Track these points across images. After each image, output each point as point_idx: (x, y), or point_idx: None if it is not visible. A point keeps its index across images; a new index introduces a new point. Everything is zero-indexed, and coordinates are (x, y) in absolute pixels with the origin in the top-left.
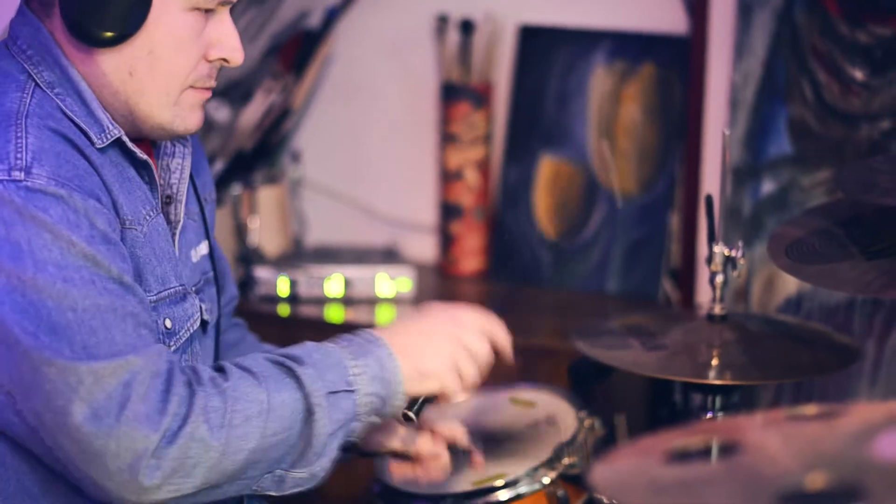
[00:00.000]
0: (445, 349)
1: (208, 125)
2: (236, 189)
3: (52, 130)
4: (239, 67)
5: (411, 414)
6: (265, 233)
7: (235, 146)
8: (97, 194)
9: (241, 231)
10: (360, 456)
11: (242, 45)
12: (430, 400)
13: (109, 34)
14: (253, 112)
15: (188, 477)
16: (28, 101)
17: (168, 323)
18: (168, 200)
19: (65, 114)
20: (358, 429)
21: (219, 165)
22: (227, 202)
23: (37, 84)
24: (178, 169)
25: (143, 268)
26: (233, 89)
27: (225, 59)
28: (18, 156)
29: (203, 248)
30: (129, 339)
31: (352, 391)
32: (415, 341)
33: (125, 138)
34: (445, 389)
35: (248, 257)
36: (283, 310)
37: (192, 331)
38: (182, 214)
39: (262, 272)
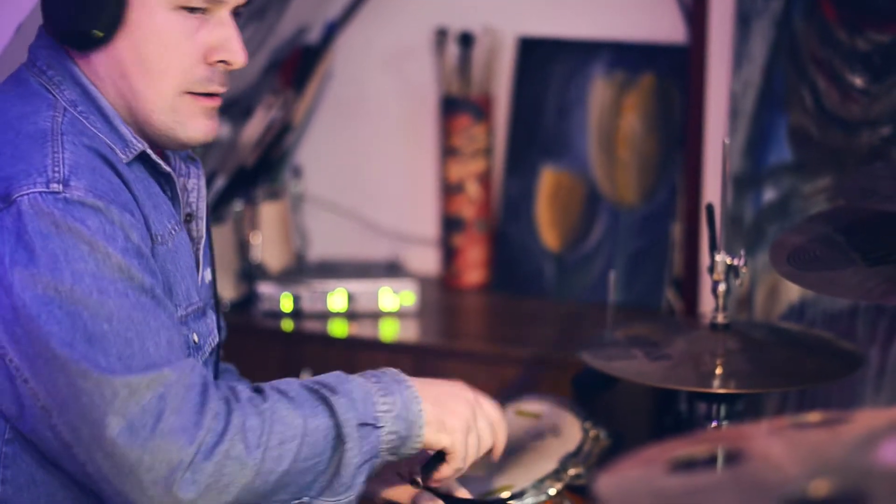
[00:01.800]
0: (465, 413)
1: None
2: (238, 205)
3: (86, 147)
4: (239, 84)
5: (418, 479)
6: (267, 248)
7: (236, 162)
8: (131, 209)
9: (243, 247)
10: None
11: (244, 50)
12: (439, 460)
13: (89, 35)
14: (253, 128)
15: (222, 494)
16: (60, 119)
17: (195, 338)
18: (189, 218)
19: (92, 131)
20: (377, 466)
21: (220, 182)
22: (228, 218)
23: (62, 104)
24: (194, 188)
25: (172, 283)
26: (233, 106)
27: (225, 62)
28: (56, 169)
29: (208, 275)
30: (162, 352)
31: (378, 427)
32: (440, 394)
33: (149, 151)
34: (456, 450)
35: (251, 273)
36: (287, 325)
37: (213, 346)
38: (203, 231)
39: (265, 288)
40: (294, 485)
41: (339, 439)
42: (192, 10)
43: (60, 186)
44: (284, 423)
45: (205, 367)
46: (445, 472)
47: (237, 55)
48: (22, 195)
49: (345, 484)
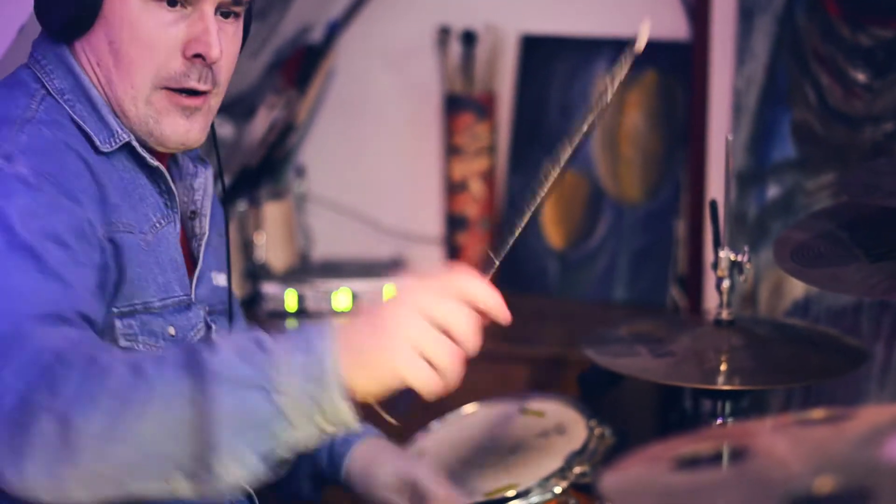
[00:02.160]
0: (402, 339)
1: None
2: (242, 205)
3: (51, 133)
4: (241, 84)
5: (388, 416)
6: (272, 248)
7: (240, 162)
8: (77, 196)
9: (247, 247)
10: None
11: (235, 54)
12: (408, 397)
13: (65, 23)
14: (257, 128)
15: (67, 462)
16: (36, 107)
17: (172, 330)
18: (192, 215)
19: (73, 120)
20: (291, 437)
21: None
22: (233, 219)
23: (47, 92)
24: (201, 187)
25: (144, 273)
26: (236, 105)
27: (200, 56)
28: (7, 147)
29: (222, 279)
30: (41, 326)
31: (266, 389)
32: (367, 335)
33: (135, 143)
34: (413, 383)
35: (256, 273)
36: (292, 324)
37: (195, 339)
38: (207, 228)
39: (269, 287)
40: (156, 455)
41: (199, 404)
42: (171, 2)
43: (4, 161)
44: (131, 385)
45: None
46: (423, 399)
47: (210, 49)
48: None
49: (219, 457)
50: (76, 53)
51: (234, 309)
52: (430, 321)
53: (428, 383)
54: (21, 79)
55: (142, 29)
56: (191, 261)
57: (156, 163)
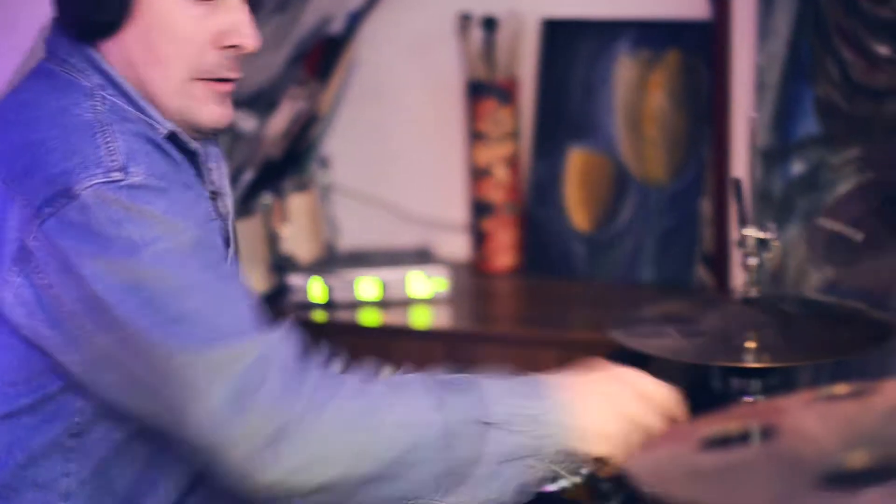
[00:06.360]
0: (626, 417)
1: (235, 136)
2: (266, 198)
3: (134, 133)
4: (263, 76)
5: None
6: (297, 240)
7: (263, 155)
8: (191, 185)
9: (273, 239)
10: None
11: (257, 34)
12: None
13: (98, 24)
14: (280, 120)
15: (330, 464)
16: (100, 107)
17: None
18: (213, 196)
19: (134, 114)
20: (539, 471)
21: (248, 175)
22: (257, 211)
23: (94, 90)
24: (214, 163)
25: None
26: (258, 98)
27: (236, 46)
28: (113, 158)
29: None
30: (254, 319)
31: (509, 428)
32: (598, 401)
33: (177, 129)
34: (611, 457)
35: (282, 265)
36: (319, 315)
37: None
38: (230, 207)
39: (295, 279)
40: (404, 480)
41: (449, 436)
42: None
43: (121, 174)
44: (393, 407)
45: None
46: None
47: (249, 39)
48: (85, 188)
49: (477, 486)
50: (101, 51)
51: None
52: (640, 422)
53: (616, 461)
54: (64, 78)
55: (176, 24)
56: None
57: (195, 146)
